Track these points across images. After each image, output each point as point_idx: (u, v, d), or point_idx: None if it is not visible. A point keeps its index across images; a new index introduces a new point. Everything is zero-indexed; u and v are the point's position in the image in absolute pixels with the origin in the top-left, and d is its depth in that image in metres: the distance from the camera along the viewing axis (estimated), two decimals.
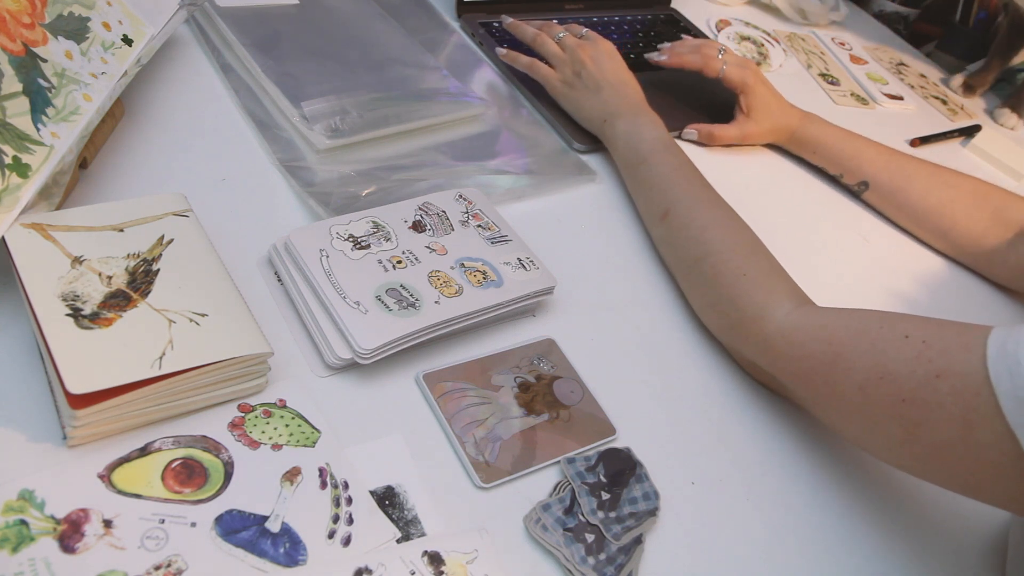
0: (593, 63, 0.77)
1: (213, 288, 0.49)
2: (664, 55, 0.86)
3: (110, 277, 0.47)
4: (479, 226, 0.62)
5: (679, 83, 0.89)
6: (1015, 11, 1.05)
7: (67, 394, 0.41)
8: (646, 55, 0.87)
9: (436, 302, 0.54)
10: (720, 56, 0.83)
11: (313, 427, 0.48)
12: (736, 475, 0.55)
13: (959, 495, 0.47)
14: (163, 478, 0.43)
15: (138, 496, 0.42)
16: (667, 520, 0.51)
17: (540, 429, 0.53)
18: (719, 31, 1.09)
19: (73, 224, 0.49)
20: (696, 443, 0.56)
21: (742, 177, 0.82)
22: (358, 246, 0.56)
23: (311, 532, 0.43)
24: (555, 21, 0.90)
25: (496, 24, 0.88)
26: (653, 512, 0.50)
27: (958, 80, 1.14)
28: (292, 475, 0.46)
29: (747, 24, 1.13)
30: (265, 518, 0.43)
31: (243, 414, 0.48)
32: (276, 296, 0.56)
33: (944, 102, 1.11)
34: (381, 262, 0.56)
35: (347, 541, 0.44)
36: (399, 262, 0.56)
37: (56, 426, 0.45)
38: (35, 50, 0.51)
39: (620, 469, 0.51)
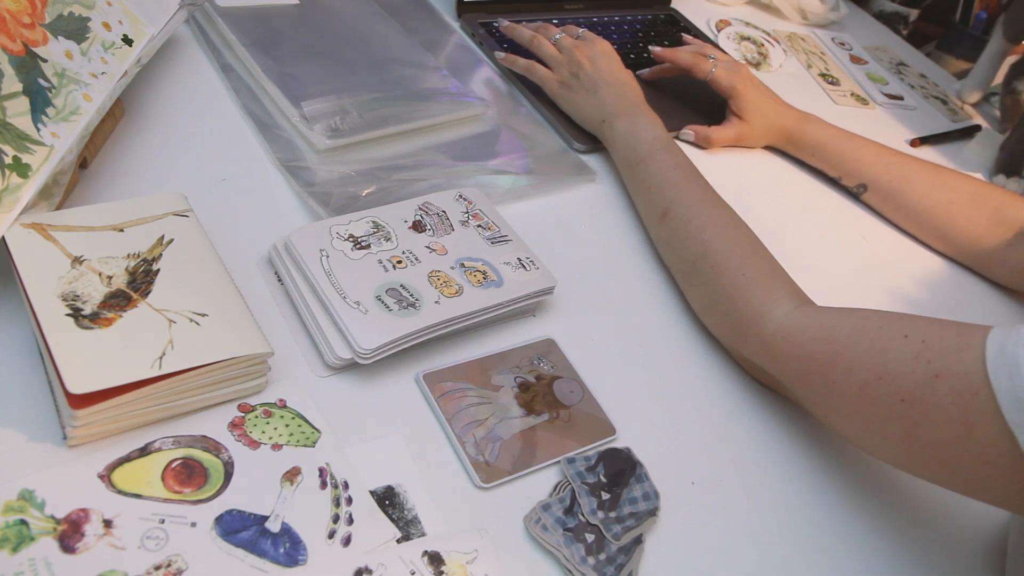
0: (591, 63, 0.77)
1: (213, 288, 0.49)
2: (657, 49, 0.86)
3: (110, 277, 0.47)
4: (479, 226, 0.62)
5: (678, 83, 0.89)
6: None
7: (67, 394, 0.41)
8: (638, 72, 0.87)
9: (436, 302, 0.54)
10: (712, 59, 0.83)
11: (313, 427, 0.48)
12: (736, 475, 0.55)
13: (958, 494, 0.47)
14: (163, 478, 0.44)
15: (138, 496, 0.42)
16: (667, 520, 0.51)
17: (540, 429, 0.53)
18: (719, 31, 1.09)
19: (73, 224, 0.49)
20: (696, 443, 0.56)
21: (742, 177, 0.82)
22: (358, 246, 0.56)
23: (311, 532, 0.43)
24: (554, 22, 0.90)
25: (496, 24, 0.88)
26: (653, 512, 0.50)
27: (965, 94, 1.13)
28: (292, 475, 0.46)
29: (747, 24, 1.13)
30: (265, 518, 0.43)
31: (243, 414, 0.48)
32: (276, 296, 0.56)
33: (944, 102, 1.11)
34: (381, 262, 0.56)
35: (347, 541, 0.44)
36: (399, 262, 0.56)
37: (56, 426, 0.45)
38: (35, 50, 0.51)
39: (620, 469, 0.51)
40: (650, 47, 0.87)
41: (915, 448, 0.46)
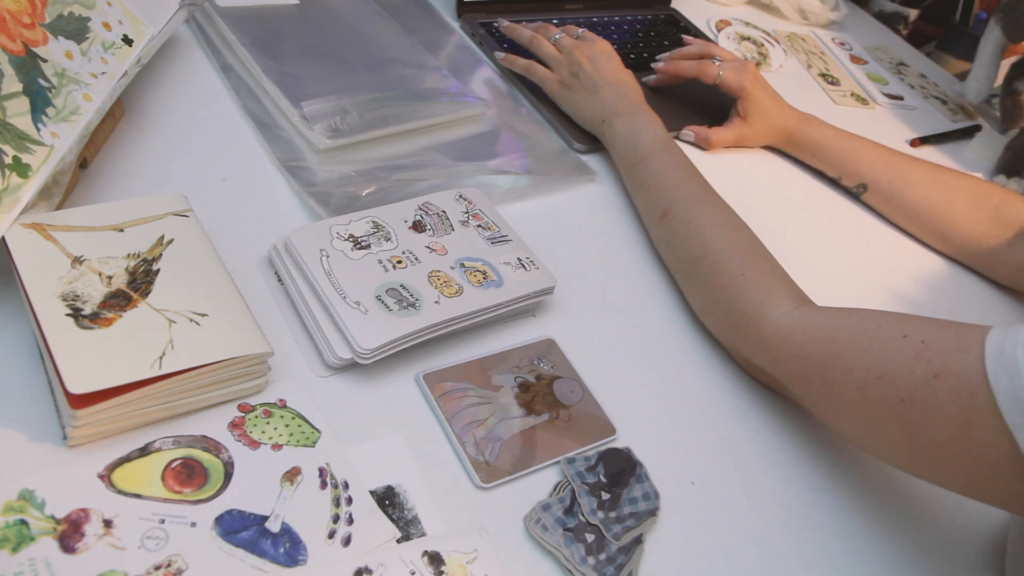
0: (590, 63, 0.77)
1: (213, 288, 0.49)
2: (661, 64, 0.86)
3: (110, 277, 0.47)
4: (479, 226, 0.62)
5: (679, 83, 0.89)
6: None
7: (67, 394, 0.41)
8: (644, 80, 0.87)
9: (436, 302, 0.54)
10: (716, 62, 0.83)
11: (313, 427, 0.48)
12: (736, 475, 0.55)
13: (958, 495, 0.47)
14: (163, 478, 0.44)
15: (138, 496, 0.42)
16: (667, 520, 0.51)
17: (540, 429, 0.53)
18: (719, 31, 1.09)
19: (73, 224, 0.49)
20: (696, 443, 0.56)
21: (742, 177, 0.82)
22: (358, 246, 0.56)
23: (311, 532, 0.43)
24: (554, 22, 0.90)
25: (496, 24, 0.88)
26: (653, 512, 0.50)
27: (970, 95, 1.11)
28: (292, 475, 0.46)
29: (747, 24, 1.13)
30: (265, 518, 0.43)
31: (243, 414, 0.48)
32: (276, 296, 0.56)
33: (944, 102, 1.11)
34: (381, 262, 0.56)
35: (347, 541, 0.44)
36: (399, 262, 0.56)
37: (56, 426, 0.45)
38: (35, 50, 0.51)
39: (620, 469, 0.51)
40: (652, 64, 0.87)
41: (914, 448, 0.46)
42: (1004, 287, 0.80)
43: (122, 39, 0.58)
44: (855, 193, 0.84)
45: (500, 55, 0.83)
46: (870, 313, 0.52)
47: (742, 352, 0.60)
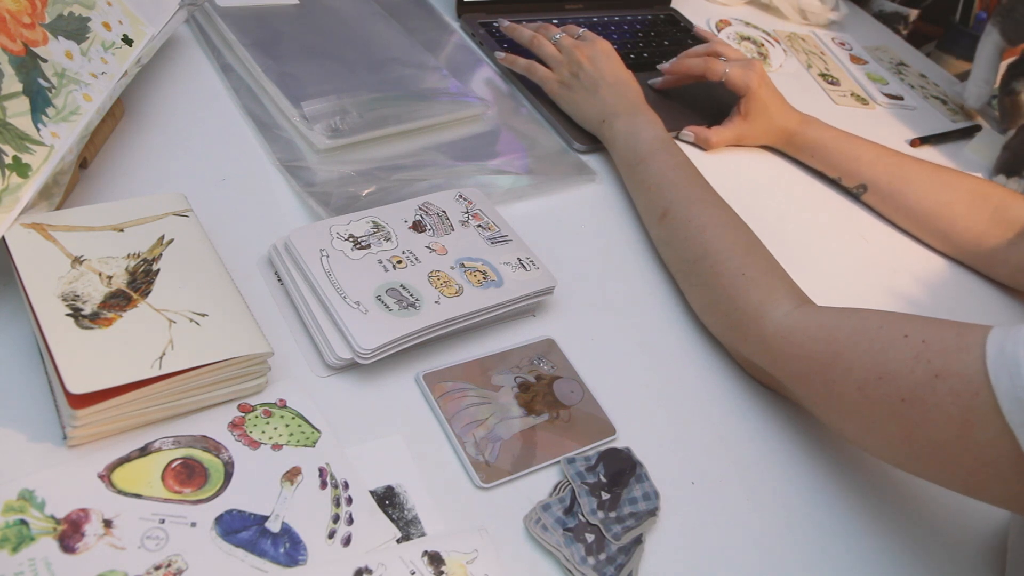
0: (590, 63, 0.77)
1: (213, 288, 0.49)
2: (667, 65, 0.86)
3: (110, 277, 0.47)
4: (479, 226, 0.62)
5: None
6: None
7: (67, 394, 0.41)
8: (650, 82, 0.88)
9: (436, 302, 0.54)
10: (724, 60, 0.83)
11: (313, 427, 0.48)
12: (736, 475, 0.55)
13: (959, 494, 0.47)
14: (163, 478, 0.44)
15: (138, 496, 0.42)
16: (667, 520, 0.51)
17: (540, 429, 0.53)
18: (719, 31, 1.09)
19: (73, 224, 0.49)
20: (696, 443, 0.56)
21: (742, 177, 0.82)
22: (358, 246, 0.56)
23: (311, 532, 0.43)
24: (554, 22, 0.90)
25: (496, 24, 0.89)
26: (653, 512, 0.50)
27: (970, 100, 1.11)
28: (292, 475, 0.46)
29: (747, 24, 1.13)
30: (265, 518, 0.43)
31: (243, 414, 0.48)
32: (276, 296, 0.56)
33: (944, 102, 1.11)
34: (381, 262, 0.56)
35: (347, 541, 0.44)
36: (399, 262, 0.56)
37: (56, 426, 0.45)
38: (35, 50, 0.51)
39: (620, 469, 0.51)
40: (658, 66, 0.87)
41: (915, 448, 0.46)
42: (1004, 287, 0.80)
43: (122, 39, 0.58)
44: (855, 194, 0.84)
45: (500, 55, 0.83)
46: (870, 313, 0.52)
47: (742, 352, 0.60)
